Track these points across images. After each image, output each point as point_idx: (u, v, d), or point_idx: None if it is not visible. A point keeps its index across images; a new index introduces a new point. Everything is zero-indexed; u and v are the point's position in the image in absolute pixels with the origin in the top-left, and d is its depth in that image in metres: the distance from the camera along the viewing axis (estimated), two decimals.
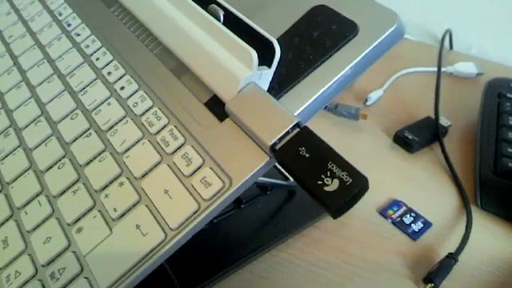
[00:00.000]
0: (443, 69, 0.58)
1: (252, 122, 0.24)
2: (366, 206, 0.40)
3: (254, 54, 0.24)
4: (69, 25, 0.35)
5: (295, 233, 0.37)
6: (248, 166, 0.24)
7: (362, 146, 0.47)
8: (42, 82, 0.32)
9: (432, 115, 0.49)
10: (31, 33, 0.36)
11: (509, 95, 0.49)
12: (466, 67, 0.59)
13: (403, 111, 0.52)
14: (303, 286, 0.34)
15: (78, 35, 0.34)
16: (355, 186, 0.20)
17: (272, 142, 0.23)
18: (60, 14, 0.37)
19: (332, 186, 0.21)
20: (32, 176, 0.28)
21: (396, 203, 0.40)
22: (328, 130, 0.49)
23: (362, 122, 0.49)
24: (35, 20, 0.37)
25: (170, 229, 0.23)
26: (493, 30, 0.65)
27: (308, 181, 0.21)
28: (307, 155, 0.22)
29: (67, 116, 0.30)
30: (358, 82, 0.55)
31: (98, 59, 0.32)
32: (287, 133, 0.23)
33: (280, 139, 0.23)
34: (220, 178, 0.24)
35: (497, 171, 0.41)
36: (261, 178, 0.35)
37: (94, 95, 0.30)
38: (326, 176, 0.21)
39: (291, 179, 0.38)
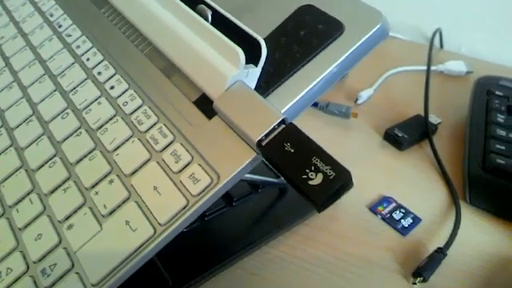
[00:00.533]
0: (434, 67, 0.58)
1: (239, 119, 0.25)
2: (356, 203, 0.40)
3: (240, 53, 0.25)
4: (60, 26, 0.36)
5: (286, 230, 0.37)
6: (235, 162, 0.24)
7: (352, 144, 0.48)
8: (34, 83, 0.33)
9: (422, 113, 0.50)
10: (23, 34, 0.37)
11: (497, 93, 0.50)
12: (456, 66, 0.60)
13: (393, 109, 0.52)
14: (294, 282, 0.34)
15: (69, 36, 0.35)
16: (338, 180, 0.21)
17: (258, 138, 0.23)
18: (51, 16, 0.37)
19: (316, 179, 0.21)
20: (23, 175, 0.28)
21: (386, 199, 0.41)
22: (319, 129, 0.49)
23: (353, 121, 0.50)
24: (27, 21, 0.38)
25: (159, 224, 0.24)
26: (482, 30, 0.66)
27: (293, 175, 0.22)
28: (292, 151, 0.23)
29: (58, 115, 0.30)
30: (348, 81, 0.56)
31: (88, 59, 0.32)
32: (273, 129, 0.24)
33: (266, 135, 0.24)
34: (208, 174, 0.24)
35: (485, 167, 0.42)
36: (252, 176, 0.36)
37: (85, 95, 0.30)
38: (311, 170, 0.22)
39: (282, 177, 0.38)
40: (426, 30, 0.68)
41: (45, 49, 0.35)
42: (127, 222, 0.24)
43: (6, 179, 0.28)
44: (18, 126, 0.31)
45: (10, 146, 0.30)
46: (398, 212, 0.40)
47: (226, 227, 0.36)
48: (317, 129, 0.49)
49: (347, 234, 0.38)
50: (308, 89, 0.26)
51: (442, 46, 0.65)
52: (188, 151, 0.25)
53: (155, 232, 0.24)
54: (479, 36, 0.66)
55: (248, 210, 0.37)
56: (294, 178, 0.22)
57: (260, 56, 0.26)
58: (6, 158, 0.29)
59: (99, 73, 0.31)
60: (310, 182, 0.21)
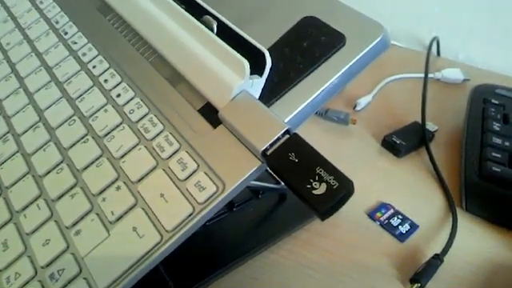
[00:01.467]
0: (431, 75, 0.59)
1: (244, 128, 0.25)
2: (354, 209, 0.41)
3: (246, 63, 0.26)
4: (65, 33, 0.36)
5: (286, 235, 0.38)
6: (240, 170, 0.25)
7: (351, 150, 0.48)
8: (40, 89, 0.33)
9: (419, 120, 0.51)
10: (28, 40, 0.37)
11: (493, 101, 0.51)
12: (453, 73, 0.60)
13: (391, 116, 0.53)
14: (293, 286, 0.35)
15: (75, 43, 0.35)
16: (341, 190, 0.22)
17: (263, 148, 0.24)
18: (57, 22, 0.37)
19: (320, 189, 0.22)
20: (31, 180, 0.28)
21: (384, 206, 0.42)
22: (318, 135, 0.50)
23: (352, 127, 0.51)
24: (32, 28, 0.38)
25: (166, 231, 0.24)
26: (479, 38, 0.67)
27: (297, 185, 0.22)
28: (296, 160, 0.23)
29: (65, 122, 0.30)
30: (347, 88, 0.56)
31: (94, 67, 0.33)
32: (278, 139, 0.24)
33: (271, 145, 0.24)
34: (214, 182, 0.25)
35: (481, 175, 0.42)
36: (253, 182, 0.36)
37: (91, 102, 0.31)
38: (315, 180, 0.22)
39: (282, 183, 0.39)
40: (424, 37, 0.69)
41: (51, 56, 0.35)
42: (134, 229, 0.25)
43: (13, 184, 0.29)
44: (24, 132, 0.31)
45: (17, 151, 0.30)
46: (395, 218, 0.40)
47: (227, 232, 0.37)
48: (316, 135, 0.49)
49: (346, 240, 0.39)
50: (311, 99, 0.27)
51: (439, 53, 0.66)
52: (194, 159, 0.26)
53: (162, 238, 0.24)
54: (476, 44, 0.67)
55: (249, 215, 0.38)
56: (298, 188, 0.22)
57: (264, 66, 0.27)
58: (13, 163, 0.30)
59: (105, 80, 0.32)
60: (314, 192, 0.22)
